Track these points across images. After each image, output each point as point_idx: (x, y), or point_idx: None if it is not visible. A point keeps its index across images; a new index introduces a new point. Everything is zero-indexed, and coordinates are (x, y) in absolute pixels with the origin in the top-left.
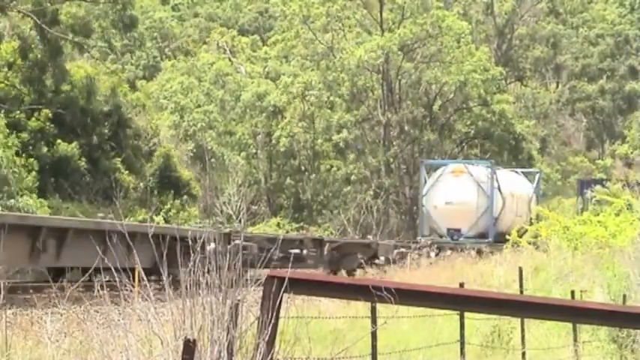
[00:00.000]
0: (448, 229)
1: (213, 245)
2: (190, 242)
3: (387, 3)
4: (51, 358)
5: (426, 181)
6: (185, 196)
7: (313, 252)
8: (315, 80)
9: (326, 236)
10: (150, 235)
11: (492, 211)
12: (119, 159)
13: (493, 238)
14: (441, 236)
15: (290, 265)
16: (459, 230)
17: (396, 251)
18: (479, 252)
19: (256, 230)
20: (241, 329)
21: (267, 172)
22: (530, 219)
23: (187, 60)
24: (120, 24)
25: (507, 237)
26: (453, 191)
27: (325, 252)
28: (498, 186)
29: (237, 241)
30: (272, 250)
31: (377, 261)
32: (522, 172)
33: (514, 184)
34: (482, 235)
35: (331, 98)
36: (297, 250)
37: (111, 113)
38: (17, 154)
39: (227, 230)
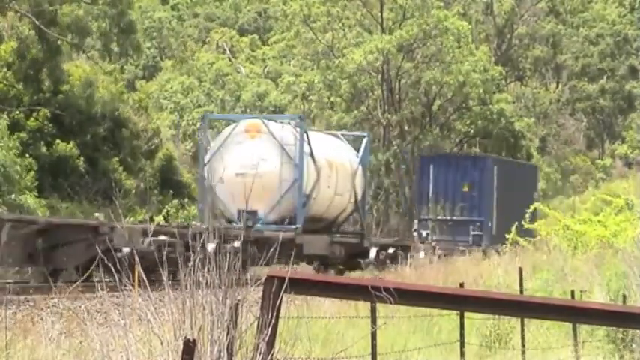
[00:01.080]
0: (240, 212)
1: None
2: None
3: (388, 2)
4: (51, 358)
5: (209, 144)
6: (186, 199)
7: None
8: (316, 80)
9: (6, 213)
10: None
11: (302, 187)
12: (117, 159)
13: (303, 223)
14: (229, 221)
15: None
16: (254, 213)
17: (147, 240)
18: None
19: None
20: (241, 329)
21: None
22: (355, 200)
23: (184, 65)
24: (117, 28)
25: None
26: (247, 158)
27: (5, 239)
28: (311, 151)
29: None
30: None
31: (118, 254)
32: (343, 136)
33: (333, 150)
34: (288, 220)
35: (332, 98)
36: None
37: (109, 113)
38: (18, 155)
39: None
